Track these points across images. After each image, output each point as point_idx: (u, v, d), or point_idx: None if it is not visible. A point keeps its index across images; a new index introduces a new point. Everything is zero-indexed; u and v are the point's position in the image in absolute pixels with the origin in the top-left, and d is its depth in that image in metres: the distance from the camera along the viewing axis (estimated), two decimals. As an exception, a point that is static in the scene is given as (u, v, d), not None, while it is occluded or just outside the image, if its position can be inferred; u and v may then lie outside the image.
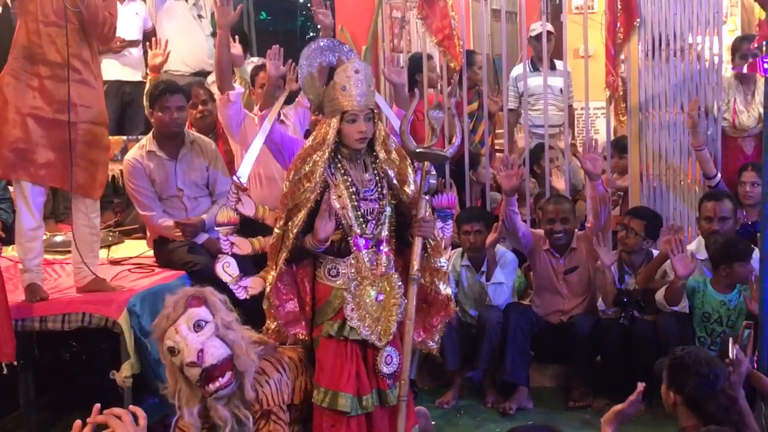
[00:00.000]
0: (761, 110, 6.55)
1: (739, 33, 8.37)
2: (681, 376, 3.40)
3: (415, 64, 6.80)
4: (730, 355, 3.75)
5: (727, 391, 3.42)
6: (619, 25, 6.19)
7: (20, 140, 4.69)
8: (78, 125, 4.76)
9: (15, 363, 4.79)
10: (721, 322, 5.33)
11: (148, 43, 6.59)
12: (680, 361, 3.43)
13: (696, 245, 5.75)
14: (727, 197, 5.65)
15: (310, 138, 3.98)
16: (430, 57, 6.85)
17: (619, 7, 6.17)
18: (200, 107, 6.25)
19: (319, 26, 6.00)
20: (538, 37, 7.04)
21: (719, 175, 6.06)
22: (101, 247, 5.26)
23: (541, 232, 5.96)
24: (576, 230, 5.96)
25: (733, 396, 3.47)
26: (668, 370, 3.45)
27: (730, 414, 3.37)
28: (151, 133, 5.59)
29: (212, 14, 7.56)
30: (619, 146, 6.76)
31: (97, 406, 2.48)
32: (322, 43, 4.05)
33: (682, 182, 6.37)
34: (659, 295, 5.45)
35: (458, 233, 5.83)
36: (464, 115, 6.64)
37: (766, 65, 6.62)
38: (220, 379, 3.68)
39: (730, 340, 3.90)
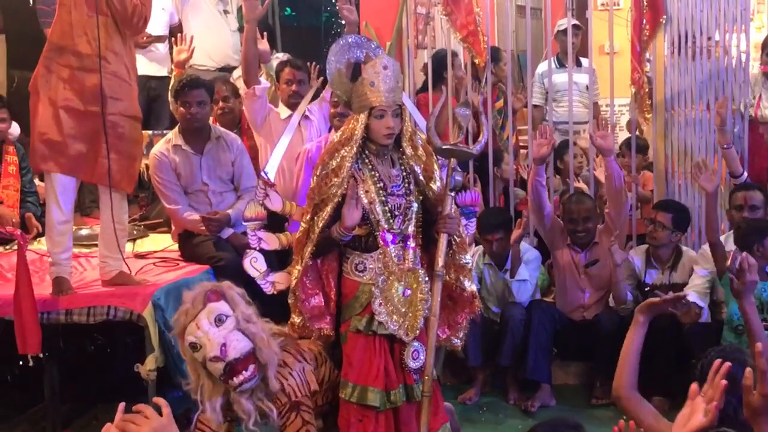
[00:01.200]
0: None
1: (766, 30, 8.30)
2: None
3: (441, 61, 6.78)
4: (729, 262, 3.70)
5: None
6: (645, 21, 6.15)
7: (52, 132, 4.72)
8: (108, 117, 4.77)
9: (40, 355, 4.81)
10: (762, 309, 5.21)
11: (174, 39, 6.60)
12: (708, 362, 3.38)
13: (724, 239, 5.70)
14: (757, 188, 5.63)
15: (338, 133, 3.99)
16: (455, 54, 6.82)
17: (645, 3, 6.13)
18: (221, 104, 6.23)
19: (343, 22, 6.01)
20: (565, 32, 7.00)
21: (745, 173, 6.01)
22: (126, 241, 5.27)
23: (562, 225, 5.95)
24: (598, 225, 5.93)
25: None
26: (702, 368, 3.40)
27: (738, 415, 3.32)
28: (177, 128, 5.62)
29: (238, 9, 7.60)
30: (637, 146, 6.68)
31: (122, 405, 2.48)
32: (350, 40, 4.04)
33: (708, 179, 6.32)
34: (692, 295, 5.40)
35: (480, 238, 5.85)
36: (489, 112, 6.62)
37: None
38: (243, 372, 3.69)
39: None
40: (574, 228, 5.84)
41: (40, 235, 5.82)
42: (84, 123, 4.77)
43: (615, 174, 5.72)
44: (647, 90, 6.30)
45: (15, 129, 6.75)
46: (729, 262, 3.70)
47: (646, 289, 5.80)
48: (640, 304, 3.59)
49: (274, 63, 6.49)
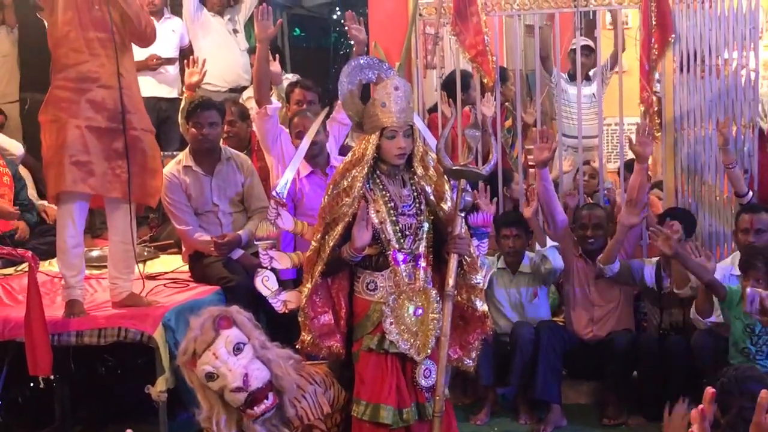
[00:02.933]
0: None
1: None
2: (726, 400, 3.32)
3: (453, 82, 6.79)
4: (748, 306, 3.67)
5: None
6: (653, 40, 6.15)
7: (81, 153, 4.75)
8: (129, 132, 4.82)
9: (51, 377, 4.82)
10: (751, 338, 5.23)
11: (185, 61, 6.64)
12: (726, 387, 3.34)
13: (731, 260, 5.68)
14: (764, 210, 5.59)
15: (350, 153, 4.01)
16: (470, 75, 6.84)
17: (654, 22, 6.13)
18: (227, 127, 6.23)
19: (352, 42, 6.02)
20: (576, 50, 7.02)
21: (751, 193, 5.99)
22: (137, 262, 5.28)
23: (574, 236, 5.94)
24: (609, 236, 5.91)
25: None
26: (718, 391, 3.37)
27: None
28: (187, 149, 5.64)
29: (246, 28, 7.63)
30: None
31: None
32: (362, 61, 4.07)
33: (717, 198, 6.32)
34: (692, 312, 5.40)
35: (496, 237, 5.88)
36: (498, 132, 6.62)
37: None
38: (265, 401, 3.65)
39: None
40: (584, 234, 5.84)
41: (45, 257, 5.84)
42: (106, 140, 4.81)
43: (642, 183, 5.66)
44: (656, 109, 6.29)
45: (18, 149, 6.78)
46: (746, 305, 3.66)
47: (663, 293, 5.77)
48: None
49: (284, 83, 6.52)
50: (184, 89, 6.47)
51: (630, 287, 5.94)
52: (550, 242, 5.90)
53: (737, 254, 5.64)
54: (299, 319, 3.99)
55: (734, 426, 3.29)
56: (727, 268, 5.60)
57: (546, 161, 5.83)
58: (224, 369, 3.60)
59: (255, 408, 3.63)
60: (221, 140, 6.12)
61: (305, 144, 4.32)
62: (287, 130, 5.85)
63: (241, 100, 6.88)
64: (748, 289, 3.72)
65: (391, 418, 3.86)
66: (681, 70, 6.32)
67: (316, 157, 5.40)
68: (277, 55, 6.48)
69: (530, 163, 7.41)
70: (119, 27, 4.81)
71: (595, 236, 5.82)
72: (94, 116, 4.78)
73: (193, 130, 5.51)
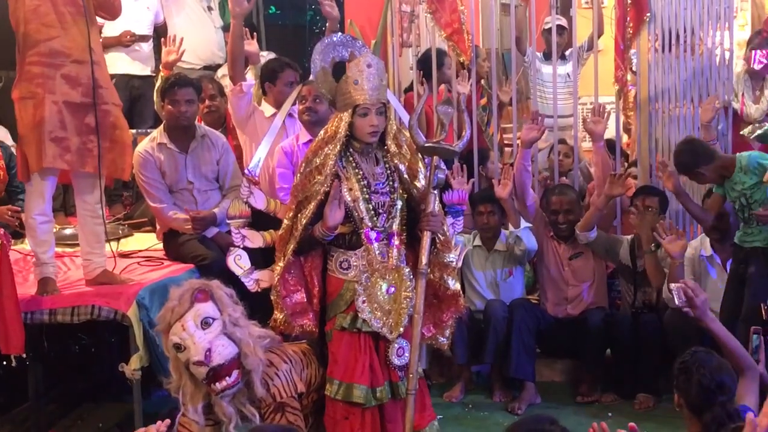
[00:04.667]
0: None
1: (749, 28, 8.33)
2: (685, 382, 3.37)
3: (430, 60, 6.76)
4: (676, 301, 3.73)
5: (727, 406, 3.38)
6: (628, 19, 6.16)
7: (58, 129, 4.71)
8: (100, 107, 4.78)
9: (24, 356, 4.78)
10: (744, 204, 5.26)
11: (162, 39, 6.57)
12: (685, 366, 3.39)
13: (700, 241, 5.70)
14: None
15: (322, 131, 3.99)
16: (445, 53, 6.81)
17: (629, 1, 6.13)
18: (208, 102, 6.23)
19: (326, 18, 5.98)
20: (551, 31, 7.01)
21: None
22: (110, 240, 5.24)
23: (546, 218, 5.96)
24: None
25: (734, 408, 3.42)
26: (675, 374, 3.42)
27: (727, 424, 3.33)
28: (162, 126, 5.60)
29: (220, 5, 7.56)
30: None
31: None
32: (335, 38, 4.06)
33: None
34: (664, 290, 5.42)
35: (472, 214, 5.89)
36: (474, 110, 6.60)
37: (760, 58, 6.67)
38: (227, 378, 3.67)
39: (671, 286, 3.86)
40: (555, 219, 5.87)
41: (17, 236, 5.79)
42: (79, 116, 4.77)
43: (603, 161, 5.77)
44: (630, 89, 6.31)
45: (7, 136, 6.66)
46: (675, 300, 3.72)
47: (637, 271, 5.80)
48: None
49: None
50: (160, 67, 6.41)
51: (603, 265, 5.97)
52: (524, 223, 5.90)
53: (704, 236, 5.67)
54: (272, 297, 4.00)
55: (694, 406, 3.33)
56: (696, 247, 5.63)
57: (532, 141, 5.87)
58: (189, 341, 3.63)
59: (217, 384, 3.65)
60: (202, 116, 6.10)
61: (279, 119, 4.31)
62: (261, 108, 5.82)
63: (216, 78, 6.81)
64: (673, 288, 3.78)
65: (364, 397, 3.87)
66: (656, 49, 6.32)
67: (315, 125, 5.34)
68: (255, 34, 6.42)
69: (506, 142, 7.43)
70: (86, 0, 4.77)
71: (567, 221, 5.85)
72: (69, 91, 4.73)
73: (170, 107, 5.46)
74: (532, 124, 5.88)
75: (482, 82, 7.01)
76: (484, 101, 6.98)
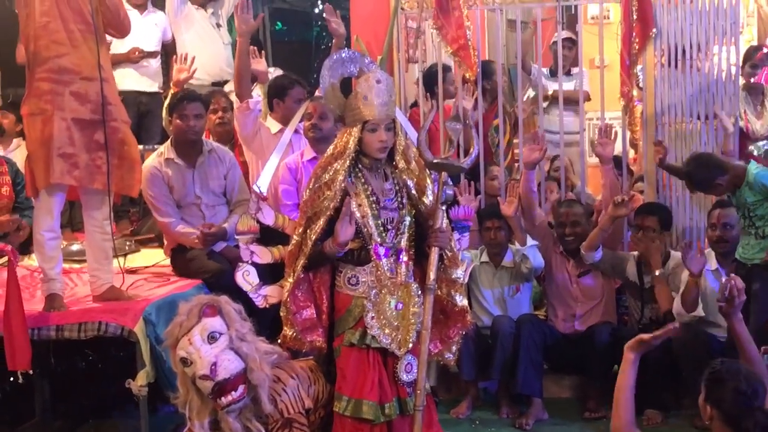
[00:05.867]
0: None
1: (755, 43, 8.33)
2: (718, 391, 3.33)
3: (433, 75, 6.77)
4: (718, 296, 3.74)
5: (765, 408, 3.35)
6: (634, 35, 6.16)
7: (66, 145, 4.73)
8: (109, 123, 4.80)
9: (31, 372, 4.78)
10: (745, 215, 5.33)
11: (173, 57, 6.60)
12: (718, 376, 3.36)
13: (706, 254, 5.68)
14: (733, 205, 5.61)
15: (331, 147, 3.99)
16: (449, 68, 6.83)
17: (635, 17, 6.14)
18: (220, 113, 6.26)
19: (332, 35, 6.00)
20: (560, 42, 7.02)
21: None
22: (117, 256, 5.25)
23: (554, 233, 5.95)
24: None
25: None
26: (706, 384, 3.38)
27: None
28: (169, 141, 5.62)
29: (228, 22, 7.59)
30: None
31: None
32: (344, 55, 4.05)
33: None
34: (676, 305, 5.41)
35: (479, 229, 5.88)
36: (480, 126, 6.60)
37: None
38: (232, 392, 3.68)
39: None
40: (562, 232, 5.87)
41: (24, 252, 5.80)
42: (88, 132, 4.79)
43: (611, 183, 5.78)
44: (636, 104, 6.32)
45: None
46: (720, 294, 3.73)
47: (644, 287, 5.78)
48: (629, 342, 3.60)
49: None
50: (171, 85, 6.43)
51: (611, 282, 5.96)
52: (530, 241, 5.89)
53: (711, 250, 5.66)
54: (281, 313, 3.99)
55: (730, 416, 3.29)
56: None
57: (535, 163, 5.86)
58: (196, 356, 3.65)
59: (222, 398, 3.66)
60: (212, 128, 6.10)
61: (287, 135, 4.32)
62: (267, 125, 5.83)
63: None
64: (724, 280, 3.78)
65: (373, 413, 3.86)
66: (662, 64, 6.32)
67: (320, 143, 5.35)
68: (263, 52, 6.44)
69: (516, 158, 7.42)
70: (96, 17, 4.78)
71: (574, 234, 5.84)
72: (78, 108, 4.76)
73: (179, 121, 5.47)
74: (534, 145, 5.86)
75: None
76: (496, 122, 6.98)
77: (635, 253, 5.89)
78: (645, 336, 3.56)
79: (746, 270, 5.24)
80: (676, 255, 5.74)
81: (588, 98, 7.38)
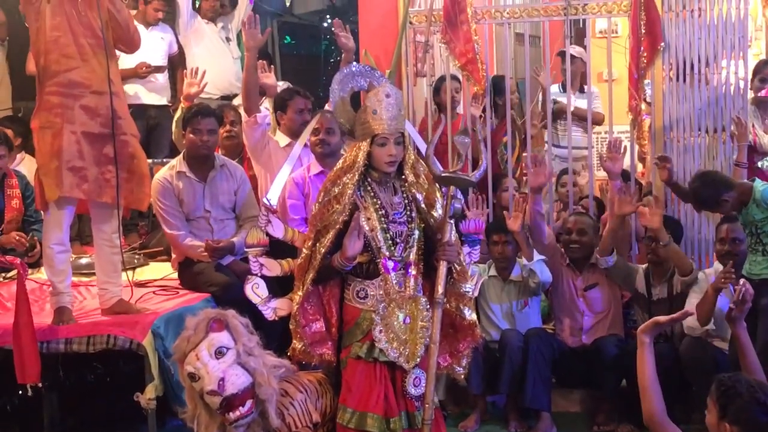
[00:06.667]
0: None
1: (764, 57, 8.32)
2: (736, 405, 3.27)
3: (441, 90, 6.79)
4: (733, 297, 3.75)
5: None
6: (642, 49, 6.17)
7: (75, 158, 4.76)
8: (119, 137, 4.81)
9: (40, 385, 4.79)
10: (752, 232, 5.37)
11: (183, 71, 6.62)
12: (732, 390, 3.30)
13: (715, 269, 5.68)
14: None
15: (341, 160, 4.01)
16: (458, 81, 6.84)
17: (643, 31, 6.15)
18: (228, 127, 6.30)
19: (341, 49, 6.01)
20: (563, 55, 7.03)
21: None
22: (126, 269, 5.26)
23: (562, 249, 5.94)
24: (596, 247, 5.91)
25: None
26: (720, 402, 3.30)
27: None
28: (181, 155, 5.64)
29: (238, 36, 7.62)
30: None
31: None
32: (354, 69, 4.08)
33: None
34: (690, 319, 5.40)
35: (487, 243, 5.90)
36: (488, 141, 6.61)
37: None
38: (240, 408, 3.67)
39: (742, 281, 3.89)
40: (569, 239, 5.86)
41: (33, 265, 5.81)
42: (98, 146, 4.81)
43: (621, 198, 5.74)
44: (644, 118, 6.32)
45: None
46: (736, 296, 3.74)
47: (652, 300, 5.79)
48: (643, 325, 3.60)
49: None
50: (181, 99, 6.45)
51: (618, 295, 5.94)
52: (537, 255, 5.89)
53: (719, 264, 5.65)
54: (291, 326, 3.99)
55: (752, 428, 3.25)
56: (710, 275, 5.60)
57: (541, 187, 5.83)
58: (203, 371, 3.64)
59: (230, 413, 3.66)
60: (221, 141, 6.12)
61: (297, 149, 4.33)
62: (275, 138, 5.85)
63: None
64: (740, 284, 3.80)
65: (377, 427, 3.85)
66: (670, 78, 6.33)
67: (327, 157, 5.37)
68: (272, 66, 6.46)
69: (524, 171, 7.42)
70: (106, 32, 4.81)
71: (580, 242, 5.83)
72: (88, 122, 4.79)
73: (192, 135, 5.50)
74: (538, 169, 5.77)
75: (512, 112, 6.98)
76: (505, 139, 6.99)
77: (644, 266, 5.88)
78: (661, 318, 3.55)
79: (754, 286, 5.22)
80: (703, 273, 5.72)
81: (599, 122, 7.39)
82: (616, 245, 5.83)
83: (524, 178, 7.13)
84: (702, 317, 5.35)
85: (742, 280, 3.85)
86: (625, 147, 6.14)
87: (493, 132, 6.56)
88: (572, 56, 7.20)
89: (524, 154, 7.06)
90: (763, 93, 6.76)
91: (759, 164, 6.58)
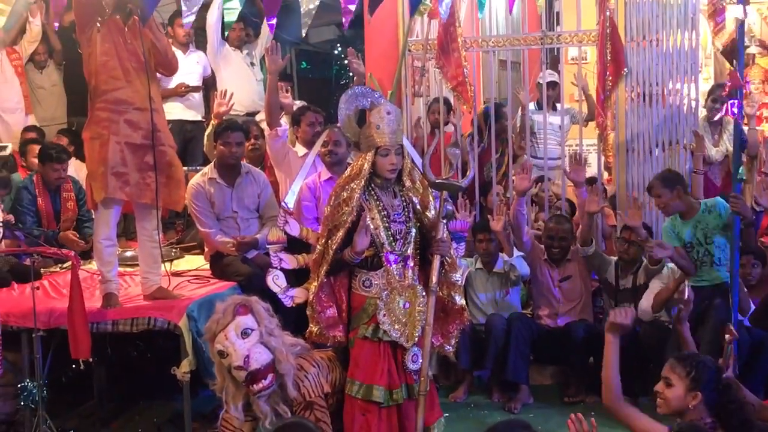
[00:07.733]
0: (729, 147, 6.55)
1: (712, 81, 8.33)
2: (708, 376, 3.25)
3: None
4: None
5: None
6: (608, 73, 6.15)
7: (119, 165, 4.76)
8: (158, 147, 4.82)
9: (90, 360, 4.80)
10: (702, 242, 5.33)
11: (214, 93, 6.63)
12: (703, 365, 3.27)
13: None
14: None
15: (348, 169, 4.04)
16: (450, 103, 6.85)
17: (609, 58, 6.12)
18: (252, 141, 6.28)
19: (352, 74, 6.01)
20: (546, 84, 6.99)
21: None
22: (165, 261, 5.27)
23: (542, 246, 5.93)
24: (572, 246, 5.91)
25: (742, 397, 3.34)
26: (691, 374, 3.25)
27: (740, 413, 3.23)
28: (212, 163, 5.64)
29: (261, 61, 7.61)
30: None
31: None
32: (357, 90, 4.11)
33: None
34: (645, 303, 5.41)
35: (473, 240, 5.88)
36: (475, 160, 6.58)
37: (733, 109, 6.65)
38: (263, 380, 3.70)
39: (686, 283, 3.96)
40: (551, 244, 5.85)
41: (85, 257, 5.82)
42: (139, 155, 4.82)
43: (584, 203, 5.76)
44: (610, 132, 6.30)
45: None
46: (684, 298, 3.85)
47: (618, 289, 5.77)
48: (607, 324, 3.62)
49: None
50: (212, 116, 6.46)
51: (589, 286, 5.94)
52: (516, 252, 5.89)
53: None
54: (307, 312, 4.01)
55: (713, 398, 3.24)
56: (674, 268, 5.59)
57: (526, 191, 5.86)
58: (231, 349, 3.67)
59: (254, 385, 3.69)
60: (246, 152, 6.12)
61: (310, 159, 4.36)
62: (294, 149, 5.85)
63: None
64: (687, 290, 3.87)
65: (383, 397, 3.88)
66: (632, 98, 6.32)
67: (335, 166, 5.38)
68: (290, 87, 6.46)
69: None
70: (148, 58, 4.82)
71: (561, 247, 5.83)
72: (131, 134, 4.79)
73: (222, 147, 5.50)
74: (523, 174, 5.83)
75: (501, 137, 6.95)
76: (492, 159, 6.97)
77: (614, 258, 5.88)
78: (619, 320, 3.56)
79: (705, 292, 5.23)
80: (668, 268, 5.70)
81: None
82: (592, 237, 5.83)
83: (505, 181, 7.13)
84: (656, 306, 5.36)
85: (687, 288, 3.92)
86: (586, 159, 6.13)
87: (480, 154, 6.53)
88: (555, 82, 7.18)
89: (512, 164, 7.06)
90: (721, 114, 6.77)
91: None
